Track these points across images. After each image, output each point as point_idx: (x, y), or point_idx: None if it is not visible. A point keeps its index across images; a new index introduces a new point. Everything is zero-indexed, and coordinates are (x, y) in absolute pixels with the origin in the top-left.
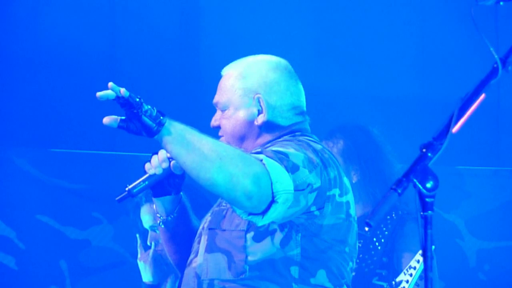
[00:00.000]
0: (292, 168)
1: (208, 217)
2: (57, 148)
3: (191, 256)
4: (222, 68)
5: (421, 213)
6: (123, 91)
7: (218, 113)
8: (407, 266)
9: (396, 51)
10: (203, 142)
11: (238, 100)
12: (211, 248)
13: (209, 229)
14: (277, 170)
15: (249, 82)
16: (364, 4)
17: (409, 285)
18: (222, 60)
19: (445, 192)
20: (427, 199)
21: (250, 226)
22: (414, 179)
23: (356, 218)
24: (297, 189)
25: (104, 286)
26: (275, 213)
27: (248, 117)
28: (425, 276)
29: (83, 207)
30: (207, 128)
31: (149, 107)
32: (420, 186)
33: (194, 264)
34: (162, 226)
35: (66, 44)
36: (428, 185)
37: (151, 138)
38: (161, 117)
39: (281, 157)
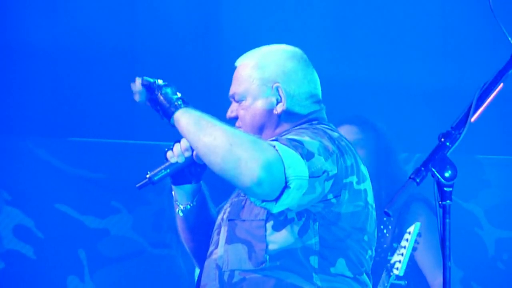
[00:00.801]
0: (307, 155)
1: (227, 208)
2: (76, 137)
3: (211, 248)
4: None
5: (440, 202)
6: (137, 81)
7: (234, 105)
8: (398, 247)
9: (412, 41)
10: (217, 127)
11: (256, 90)
12: (231, 239)
13: (229, 220)
14: (290, 156)
15: (266, 71)
16: None
17: (402, 264)
18: (237, 51)
19: (464, 181)
20: (445, 189)
21: (270, 215)
22: (432, 168)
23: (374, 206)
24: (312, 176)
25: (123, 275)
26: (289, 199)
27: (267, 106)
28: (444, 265)
29: (102, 196)
30: (225, 121)
31: (169, 90)
32: (438, 175)
33: (214, 256)
34: (181, 214)
35: (85, 34)
36: (447, 174)
37: (170, 124)
38: (179, 102)
39: (296, 145)
